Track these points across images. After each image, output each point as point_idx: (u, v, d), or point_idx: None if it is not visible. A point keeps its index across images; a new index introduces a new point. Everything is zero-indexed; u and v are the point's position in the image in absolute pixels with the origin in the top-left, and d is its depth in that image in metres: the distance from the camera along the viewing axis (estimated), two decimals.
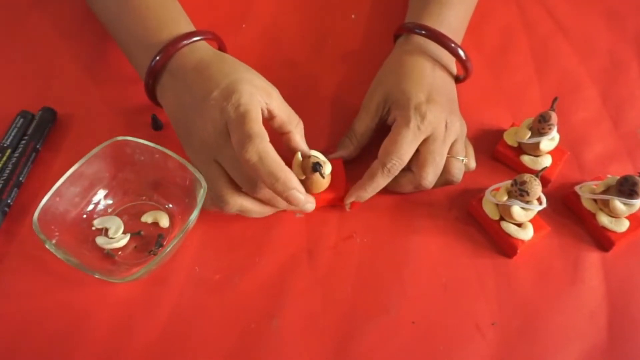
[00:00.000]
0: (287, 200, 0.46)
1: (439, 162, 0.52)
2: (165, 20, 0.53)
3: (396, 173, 0.51)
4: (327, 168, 0.50)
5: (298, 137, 0.51)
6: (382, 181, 0.51)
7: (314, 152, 0.50)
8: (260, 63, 0.62)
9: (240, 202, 0.48)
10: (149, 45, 0.52)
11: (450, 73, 0.57)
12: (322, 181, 0.50)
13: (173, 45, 0.50)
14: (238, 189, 0.48)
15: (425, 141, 0.51)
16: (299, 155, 0.49)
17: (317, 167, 0.48)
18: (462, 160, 0.53)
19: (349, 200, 0.52)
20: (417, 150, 0.52)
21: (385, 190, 0.53)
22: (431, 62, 0.55)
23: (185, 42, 0.51)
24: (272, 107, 0.49)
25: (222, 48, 0.56)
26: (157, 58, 0.51)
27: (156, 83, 0.52)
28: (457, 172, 0.53)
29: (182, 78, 0.50)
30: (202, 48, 0.52)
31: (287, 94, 0.52)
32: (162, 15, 0.54)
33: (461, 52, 0.56)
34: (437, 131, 0.51)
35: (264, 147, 0.44)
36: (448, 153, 0.53)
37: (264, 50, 0.65)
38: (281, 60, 0.65)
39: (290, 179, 0.45)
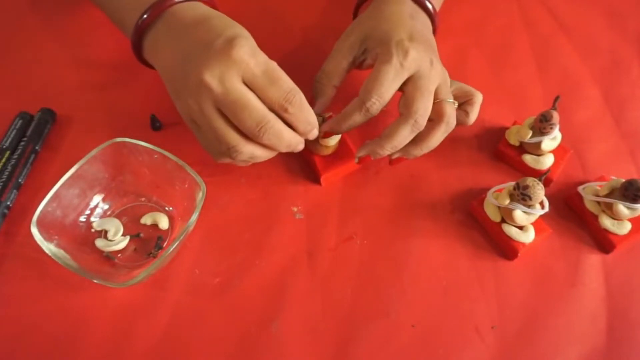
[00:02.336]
0: (307, 136, 0.48)
1: (428, 98, 0.48)
2: None
3: (375, 113, 0.48)
4: (333, 139, 0.53)
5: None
6: (358, 119, 0.49)
7: (326, 114, 0.53)
8: None
9: (251, 150, 0.46)
10: (141, 3, 0.49)
11: (428, 23, 0.56)
12: (325, 147, 0.53)
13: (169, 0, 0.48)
14: (245, 136, 0.46)
15: (410, 79, 0.49)
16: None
17: None
18: (454, 103, 0.51)
19: (324, 130, 0.51)
20: (403, 91, 0.49)
21: (385, 187, 0.52)
22: (410, 10, 0.53)
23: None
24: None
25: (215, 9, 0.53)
26: (147, 14, 0.48)
27: (144, 38, 0.50)
28: (452, 113, 0.50)
29: (182, 29, 0.47)
30: (202, 6, 0.50)
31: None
32: None
33: (429, 4, 0.54)
34: (422, 68, 0.49)
35: (302, 99, 0.46)
36: (436, 97, 0.50)
37: (265, 51, 0.65)
38: (281, 61, 0.64)
39: (316, 122, 0.48)
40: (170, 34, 0.48)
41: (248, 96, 0.44)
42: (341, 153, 0.55)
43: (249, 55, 0.44)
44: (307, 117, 0.47)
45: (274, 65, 0.45)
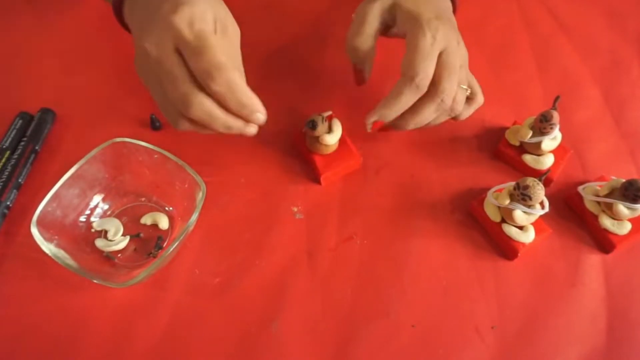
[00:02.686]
0: (247, 120, 0.45)
1: (455, 77, 0.48)
2: None
3: (425, 88, 0.48)
4: (333, 138, 0.53)
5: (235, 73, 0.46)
6: (410, 97, 0.48)
7: (336, 121, 0.53)
8: (262, 65, 0.62)
9: (207, 104, 0.44)
10: None
11: (449, 4, 0.55)
12: (325, 146, 0.53)
13: None
14: (202, 87, 0.44)
15: (439, 56, 0.48)
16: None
17: (309, 123, 0.50)
18: (466, 90, 0.51)
19: (371, 119, 0.50)
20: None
21: (385, 187, 0.52)
22: None
23: None
24: (227, 24, 0.47)
25: None
26: None
27: (123, 4, 0.50)
28: (461, 101, 0.50)
29: None
30: None
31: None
32: None
33: None
34: (450, 45, 0.48)
35: (232, 78, 0.43)
36: None
37: (265, 52, 0.65)
38: (281, 61, 0.64)
39: (255, 103, 0.45)
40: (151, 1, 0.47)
41: (173, 67, 0.43)
42: (341, 152, 0.55)
43: (186, 23, 0.43)
44: (240, 99, 0.44)
45: (205, 36, 0.43)
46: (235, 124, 0.46)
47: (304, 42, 0.66)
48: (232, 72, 0.43)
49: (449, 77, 0.48)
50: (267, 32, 0.65)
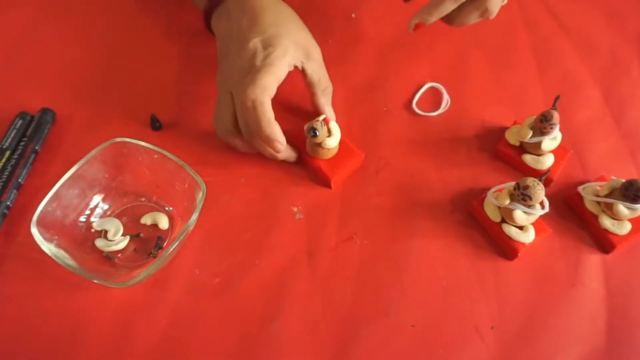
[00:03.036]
0: (271, 147, 0.51)
1: None
2: None
3: None
4: (334, 140, 0.53)
5: (323, 100, 0.56)
6: (449, 5, 0.52)
7: (333, 124, 0.54)
8: None
9: (233, 139, 0.53)
10: None
11: None
12: (328, 149, 0.53)
13: None
14: (236, 126, 0.52)
15: None
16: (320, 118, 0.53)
17: (311, 131, 0.51)
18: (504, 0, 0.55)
19: (414, 21, 0.54)
20: None
21: (385, 187, 0.53)
22: None
23: None
24: (307, 66, 0.53)
25: None
26: None
27: (213, 10, 0.56)
28: (497, 6, 0.54)
29: (239, 11, 0.54)
30: None
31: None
32: None
33: None
34: None
35: (261, 98, 0.48)
36: None
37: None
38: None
39: (274, 132, 0.49)
40: (229, 14, 0.55)
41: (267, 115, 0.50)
42: (343, 153, 0.55)
43: (260, 90, 0.49)
44: (258, 119, 0.49)
45: (274, 62, 0.50)
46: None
47: None
48: (263, 94, 0.48)
49: None
50: None
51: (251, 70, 0.50)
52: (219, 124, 0.54)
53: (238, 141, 0.54)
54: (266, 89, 0.49)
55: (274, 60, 0.50)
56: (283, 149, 0.52)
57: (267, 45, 0.51)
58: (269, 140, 0.50)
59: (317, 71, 0.55)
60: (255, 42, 0.51)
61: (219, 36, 0.56)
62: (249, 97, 0.48)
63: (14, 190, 0.52)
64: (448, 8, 0.52)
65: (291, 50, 0.51)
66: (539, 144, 0.55)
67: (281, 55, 0.50)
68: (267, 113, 0.49)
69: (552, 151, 0.56)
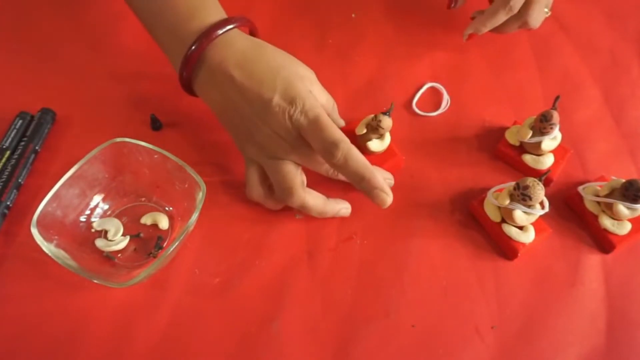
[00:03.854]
0: (372, 198, 0.48)
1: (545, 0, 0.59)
2: (195, 4, 0.51)
3: (516, 11, 0.58)
4: (379, 145, 0.55)
5: (335, 115, 0.56)
6: (502, 17, 0.59)
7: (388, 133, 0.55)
8: None
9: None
10: (181, 35, 0.50)
11: None
12: (380, 144, 0.55)
13: (207, 36, 0.49)
14: (271, 189, 0.52)
15: None
16: (371, 116, 0.54)
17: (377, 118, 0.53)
18: (547, 12, 0.61)
19: (469, 31, 0.62)
20: None
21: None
22: None
23: (219, 31, 0.49)
24: (315, 94, 0.51)
25: (253, 32, 0.55)
26: (193, 48, 0.49)
27: (192, 75, 0.51)
28: (540, 20, 0.61)
29: (227, 77, 0.49)
30: (237, 39, 0.50)
31: None
32: None
33: None
34: None
35: (348, 150, 0.47)
36: None
37: None
38: None
39: (375, 176, 0.47)
40: (214, 80, 0.50)
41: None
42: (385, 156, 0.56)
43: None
44: (355, 169, 0.48)
45: (317, 112, 0.48)
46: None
47: (302, 39, 0.66)
48: (347, 145, 0.47)
49: (538, 2, 0.59)
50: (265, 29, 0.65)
51: (307, 134, 0.47)
52: (254, 193, 0.52)
53: (270, 202, 0.52)
54: (343, 139, 0.47)
55: (315, 110, 0.47)
56: (387, 196, 0.49)
57: (291, 102, 0.47)
58: (371, 188, 0.48)
59: (322, 93, 0.53)
60: (279, 105, 0.47)
61: (217, 109, 0.52)
62: (338, 158, 0.47)
63: (14, 190, 0.52)
64: (500, 20, 0.59)
65: (309, 90, 0.50)
66: (539, 144, 0.55)
67: (313, 101, 0.48)
68: (362, 160, 0.48)
69: (552, 151, 0.56)
